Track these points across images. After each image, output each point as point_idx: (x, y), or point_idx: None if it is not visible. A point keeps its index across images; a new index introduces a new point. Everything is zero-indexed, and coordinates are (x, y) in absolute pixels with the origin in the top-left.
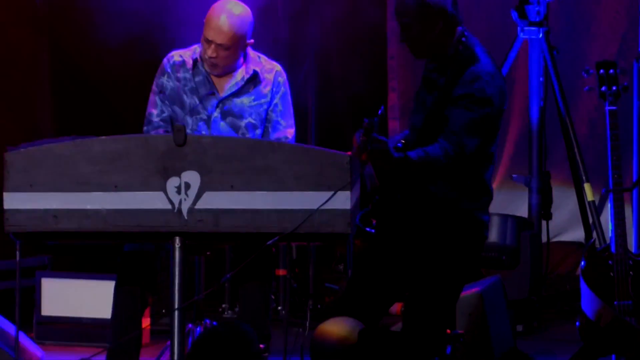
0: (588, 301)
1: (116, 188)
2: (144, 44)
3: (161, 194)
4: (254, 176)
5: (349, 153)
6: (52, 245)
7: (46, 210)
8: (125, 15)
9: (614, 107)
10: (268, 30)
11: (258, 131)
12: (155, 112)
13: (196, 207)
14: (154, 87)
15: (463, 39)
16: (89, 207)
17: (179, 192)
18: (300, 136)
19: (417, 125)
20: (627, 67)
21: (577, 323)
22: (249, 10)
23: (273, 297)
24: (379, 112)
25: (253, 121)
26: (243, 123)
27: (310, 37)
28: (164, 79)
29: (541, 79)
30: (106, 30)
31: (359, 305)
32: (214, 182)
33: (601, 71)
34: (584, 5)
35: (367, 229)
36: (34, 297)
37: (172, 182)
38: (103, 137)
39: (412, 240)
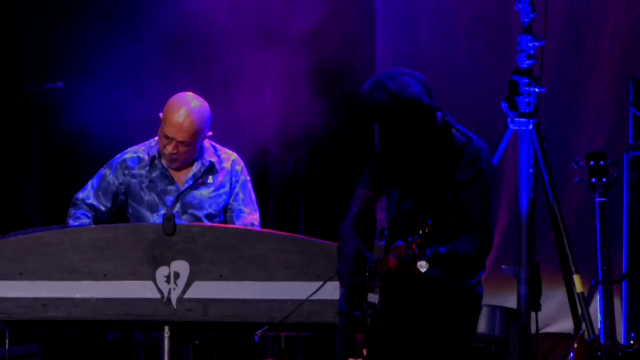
0: None
1: (105, 277)
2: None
3: (150, 283)
4: (243, 266)
5: (337, 243)
6: (41, 333)
7: (35, 299)
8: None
9: (603, 199)
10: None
11: (217, 219)
12: (81, 196)
13: (185, 296)
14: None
15: (446, 118)
16: (77, 295)
17: (168, 281)
18: (289, 225)
19: (407, 211)
20: (616, 158)
21: None
22: (206, 103)
23: None
24: (429, 222)
25: (212, 211)
26: (202, 214)
27: (302, 123)
28: (107, 171)
29: (531, 170)
30: (92, 115)
31: None
32: (203, 272)
33: (591, 163)
34: (572, 96)
35: (356, 313)
36: None
37: (162, 271)
38: (92, 226)
39: (416, 317)
